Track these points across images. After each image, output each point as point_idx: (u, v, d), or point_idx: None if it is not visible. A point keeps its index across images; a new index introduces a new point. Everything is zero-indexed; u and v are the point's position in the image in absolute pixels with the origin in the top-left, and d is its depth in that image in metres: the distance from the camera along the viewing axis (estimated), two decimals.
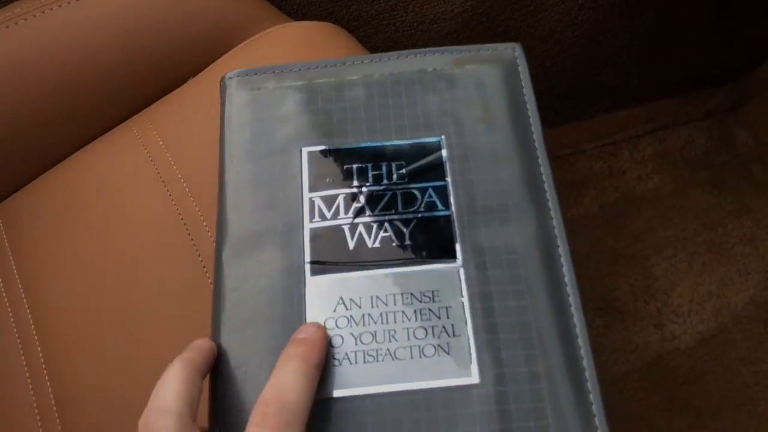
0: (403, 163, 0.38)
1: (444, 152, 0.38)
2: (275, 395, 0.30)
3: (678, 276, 0.76)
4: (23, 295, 0.48)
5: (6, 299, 0.49)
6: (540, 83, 0.83)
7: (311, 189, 0.38)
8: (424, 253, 0.36)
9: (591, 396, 0.32)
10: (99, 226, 0.49)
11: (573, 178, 0.82)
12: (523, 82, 0.41)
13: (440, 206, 0.37)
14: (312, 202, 0.38)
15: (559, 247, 0.36)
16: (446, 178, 0.38)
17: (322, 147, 0.39)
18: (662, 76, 0.86)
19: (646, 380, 0.70)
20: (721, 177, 0.83)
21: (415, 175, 0.38)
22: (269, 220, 0.37)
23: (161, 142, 0.50)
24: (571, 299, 0.34)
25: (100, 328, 0.45)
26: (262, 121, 0.40)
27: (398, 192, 0.38)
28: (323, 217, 0.37)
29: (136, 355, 0.44)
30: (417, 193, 0.37)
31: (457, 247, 0.36)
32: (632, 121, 0.86)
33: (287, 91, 0.41)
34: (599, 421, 0.32)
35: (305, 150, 0.39)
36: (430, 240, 0.36)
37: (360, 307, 0.35)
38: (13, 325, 0.48)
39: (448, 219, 0.37)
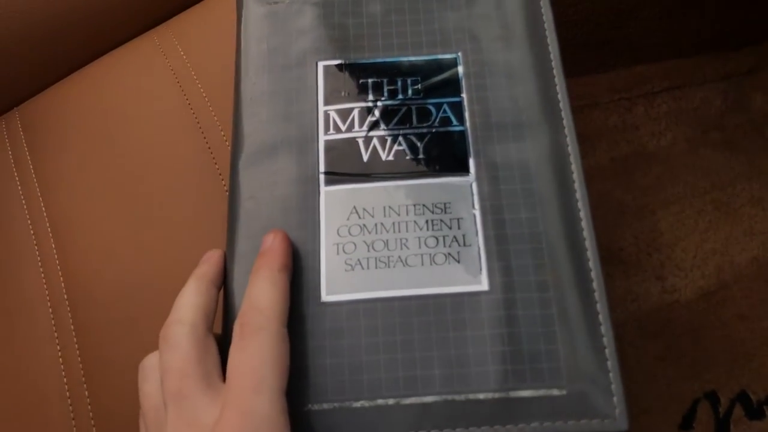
0: (419, 78, 0.39)
1: (460, 68, 0.39)
2: (247, 305, 0.32)
3: (683, 231, 0.76)
4: (39, 194, 0.49)
5: (23, 198, 0.49)
6: (561, 32, 0.81)
7: (326, 102, 0.39)
8: (437, 167, 0.36)
9: (598, 305, 0.33)
10: (117, 131, 0.49)
11: (586, 130, 0.82)
12: (542, 2, 0.41)
13: (455, 121, 0.37)
14: (327, 115, 0.38)
15: (572, 163, 0.36)
16: (461, 94, 0.38)
17: (338, 61, 0.40)
18: (682, 36, 0.86)
19: (644, 329, 0.71)
20: (734, 139, 0.82)
21: (431, 91, 0.38)
22: (284, 131, 0.38)
23: (182, 53, 0.50)
24: (582, 213, 0.35)
25: (114, 230, 0.46)
26: (279, 34, 0.41)
27: (413, 107, 0.38)
28: (338, 130, 0.38)
29: (150, 258, 0.45)
30: (432, 108, 0.38)
31: (471, 161, 0.36)
32: (649, 78, 0.85)
33: (304, 6, 0.41)
34: (605, 328, 0.32)
35: (321, 64, 0.40)
36: (443, 154, 0.37)
37: (373, 216, 0.35)
38: (29, 222, 0.48)
39: (462, 134, 0.37)
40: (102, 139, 0.49)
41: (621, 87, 0.84)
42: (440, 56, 0.39)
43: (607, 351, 0.32)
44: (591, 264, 0.34)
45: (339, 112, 0.38)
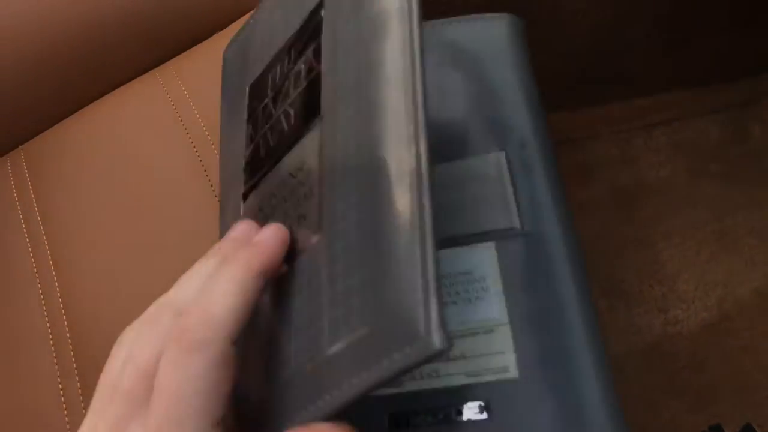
0: None
1: None
2: (199, 306, 0.26)
3: (685, 263, 0.76)
4: (43, 232, 0.49)
5: (26, 235, 0.50)
6: (559, 65, 0.82)
7: None
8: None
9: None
10: (120, 169, 0.50)
11: (585, 162, 0.82)
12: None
13: None
14: None
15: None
16: None
17: None
18: (679, 68, 0.86)
19: (646, 362, 0.71)
20: (733, 170, 0.83)
21: None
22: None
23: (186, 92, 0.51)
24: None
25: (118, 267, 0.46)
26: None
27: None
28: None
29: (153, 296, 0.44)
30: None
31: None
32: (647, 110, 0.86)
33: None
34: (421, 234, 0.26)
35: None
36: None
37: None
38: (32, 259, 0.49)
39: None
40: (105, 177, 0.49)
41: (619, 119, 0.85)
42: None
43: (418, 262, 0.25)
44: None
45: None
